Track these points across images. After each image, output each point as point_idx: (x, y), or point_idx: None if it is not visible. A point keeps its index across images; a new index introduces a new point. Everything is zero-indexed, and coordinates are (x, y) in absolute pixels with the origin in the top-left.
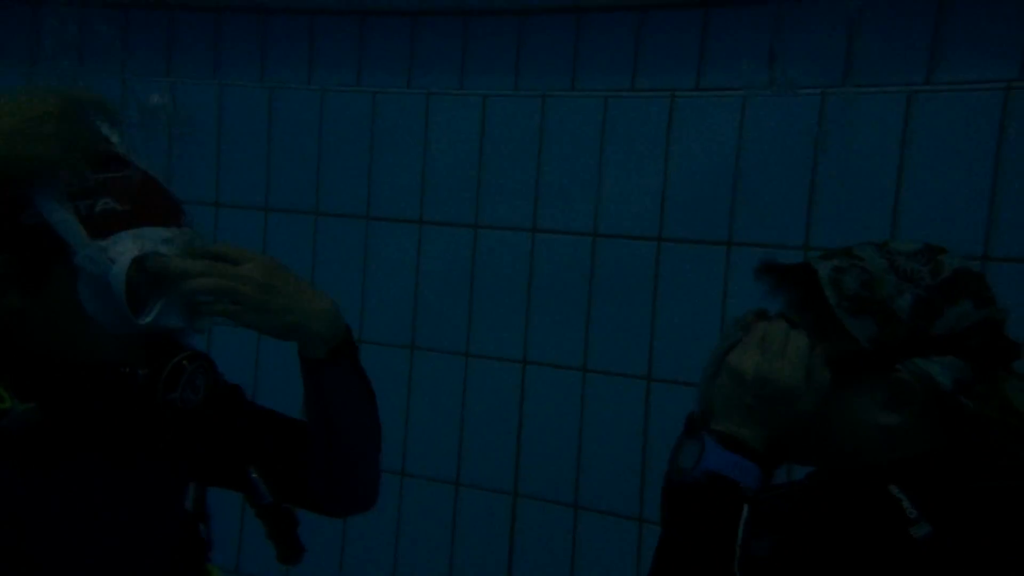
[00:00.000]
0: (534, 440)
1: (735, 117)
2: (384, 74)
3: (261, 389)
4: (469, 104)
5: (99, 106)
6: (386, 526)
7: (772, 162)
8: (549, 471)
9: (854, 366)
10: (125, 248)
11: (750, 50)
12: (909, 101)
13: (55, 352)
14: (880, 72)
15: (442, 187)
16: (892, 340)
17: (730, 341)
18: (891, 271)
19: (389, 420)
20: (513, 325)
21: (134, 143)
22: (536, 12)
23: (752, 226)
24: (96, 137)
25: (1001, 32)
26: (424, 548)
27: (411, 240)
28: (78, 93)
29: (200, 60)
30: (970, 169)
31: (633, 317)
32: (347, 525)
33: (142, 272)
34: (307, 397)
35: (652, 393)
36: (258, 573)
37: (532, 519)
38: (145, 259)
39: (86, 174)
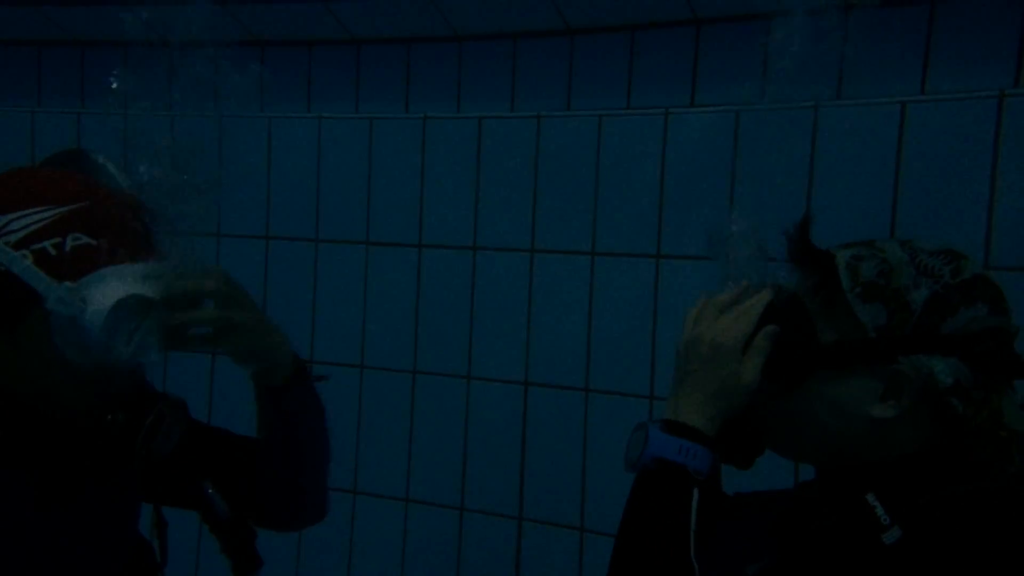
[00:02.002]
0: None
1: (729, 132)
2: (380, 101)
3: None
4: (464, 127)
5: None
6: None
7: (767, 174)
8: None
9: (856, 354)
10: (103, 289)
11: (742, 66)
12: (903, 112)
13: (22, 390)
14: (873, 84)
15: (439, 210)
16: (900, 331)
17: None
18: (911, 264)
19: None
20: (514, 344)
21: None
22: (529, 35)
23: (748, 235)
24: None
25: (993, 41)
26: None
27: (411, 264)
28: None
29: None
30: (967, 178)
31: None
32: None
33: (120, 311)
34: (265, 421)
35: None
36: None
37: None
38: (126, 301)
39: (50, 209)
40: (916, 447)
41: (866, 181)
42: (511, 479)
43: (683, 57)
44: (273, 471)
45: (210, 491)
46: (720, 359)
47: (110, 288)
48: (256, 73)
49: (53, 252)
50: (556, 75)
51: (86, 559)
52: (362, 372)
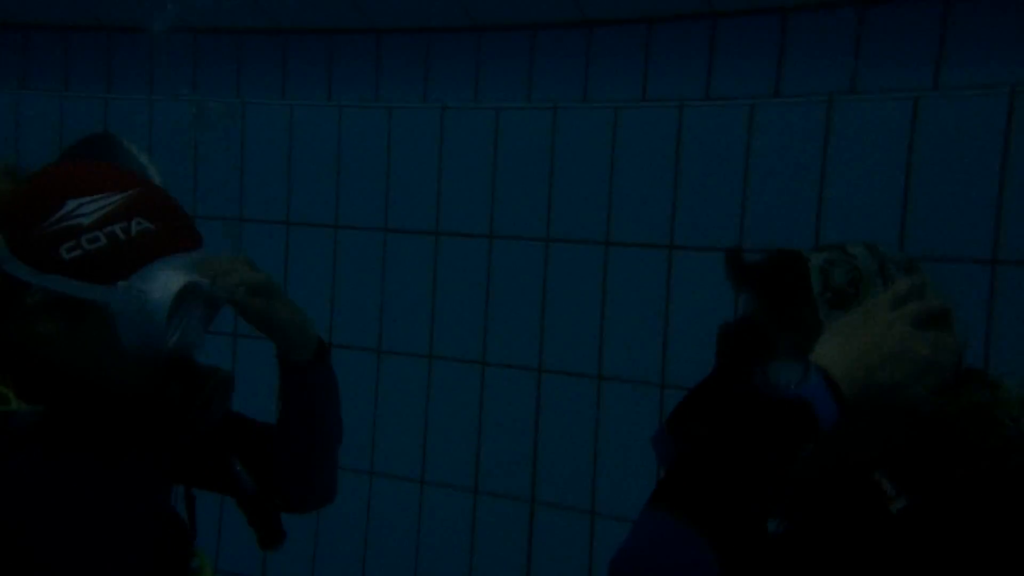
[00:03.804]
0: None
1: (743, 125)
2: (400, 89)
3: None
4: (482, 116)
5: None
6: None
7: (781, 166)
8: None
9: None
10: (163, 279)
11: (759, 59)
12: (916, 105)
13: (88, 376)
14: (886, 77)
15: (456, 198)
16: None
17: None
18: (880, 275)
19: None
20: (528, 332)
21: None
22: (547, 26)
23: (760, 229)
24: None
25: (1006, 36)
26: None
27: (428, 251)
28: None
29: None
30: (977, 172)
31: (646, 322)
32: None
33: (183, 298)
34: (288, 398)
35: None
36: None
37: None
38: (187, 289)
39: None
40: (906, 437)
41: (878, 173)
42: (524, 463)
43: (699, 50)
44: (290, 448)
45: (238, 468)
46: (919, 377)
47: (170, 278)
48: (279, 61)
49: (122, 236)
50: (573, 66)
51: (132, 524)
52: (379, 356)
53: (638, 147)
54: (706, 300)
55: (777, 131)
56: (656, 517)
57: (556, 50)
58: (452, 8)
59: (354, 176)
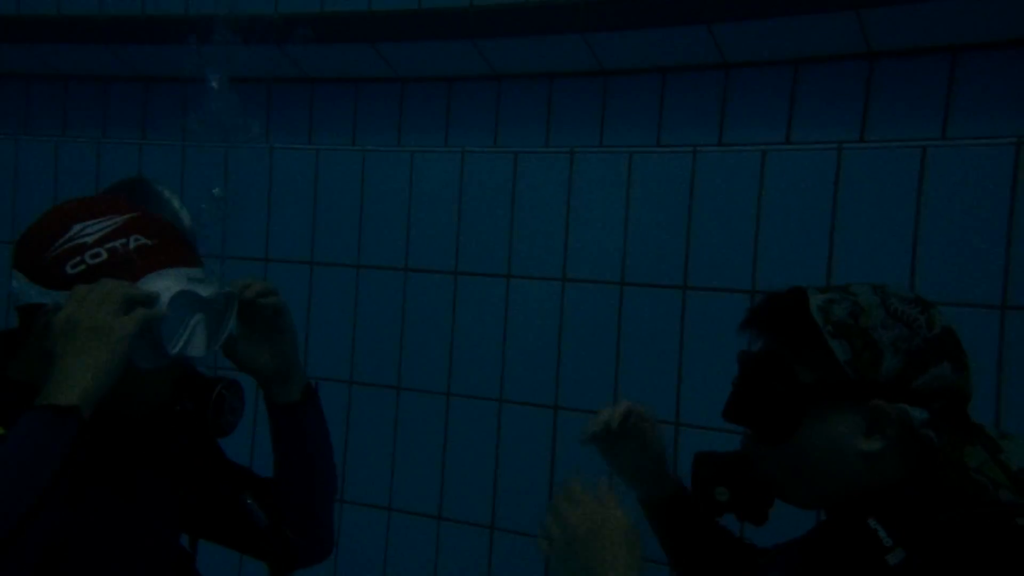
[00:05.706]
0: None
1: (755, 172)
2: (422, 135)
3: None
4: (501, 160)
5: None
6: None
7: (792, 212)
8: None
9: (836, 391)
10: (160, 287)
11: (771, 108)
12: (924, 155)
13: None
14: (895, 127)
15: (475, 239)
16: (868, 368)
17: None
18: (881, 307)
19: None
20: (544, 371)
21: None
22: (564, 75)
23: (772, 271)
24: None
25: (1012, 89)
26: None
27: (447, 290)
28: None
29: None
30: (985, 219)
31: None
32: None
33: (177, 305)
34: (283, 442)
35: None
36: None
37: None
38: (183, 295)
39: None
40: (901, 475)
41: (888, 219)
42: (541, 499)
43: (712, 98)
44: (291, 494)
45: (249, 501)
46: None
47: (167, 286)
48: (306, 108)
49: (121, 250)
50: (590, 112)
51: (145, 556)
52: (398, 393)
53: (652, 191)
54: (719, 340)
55: (788, 177)
56: None
57: (573, 97)
58: (473, 58)
59: (376, 218)
